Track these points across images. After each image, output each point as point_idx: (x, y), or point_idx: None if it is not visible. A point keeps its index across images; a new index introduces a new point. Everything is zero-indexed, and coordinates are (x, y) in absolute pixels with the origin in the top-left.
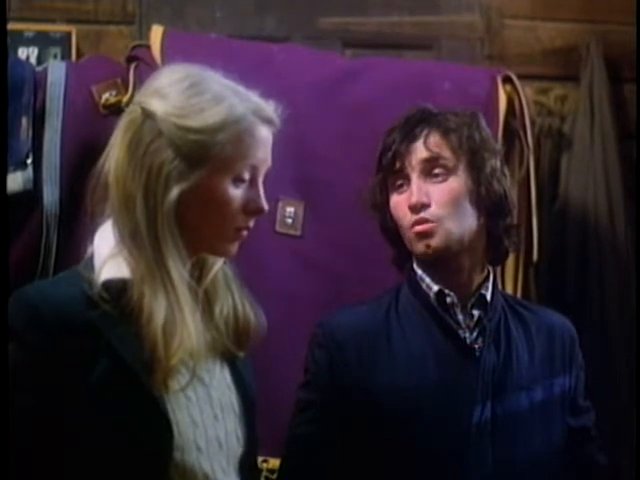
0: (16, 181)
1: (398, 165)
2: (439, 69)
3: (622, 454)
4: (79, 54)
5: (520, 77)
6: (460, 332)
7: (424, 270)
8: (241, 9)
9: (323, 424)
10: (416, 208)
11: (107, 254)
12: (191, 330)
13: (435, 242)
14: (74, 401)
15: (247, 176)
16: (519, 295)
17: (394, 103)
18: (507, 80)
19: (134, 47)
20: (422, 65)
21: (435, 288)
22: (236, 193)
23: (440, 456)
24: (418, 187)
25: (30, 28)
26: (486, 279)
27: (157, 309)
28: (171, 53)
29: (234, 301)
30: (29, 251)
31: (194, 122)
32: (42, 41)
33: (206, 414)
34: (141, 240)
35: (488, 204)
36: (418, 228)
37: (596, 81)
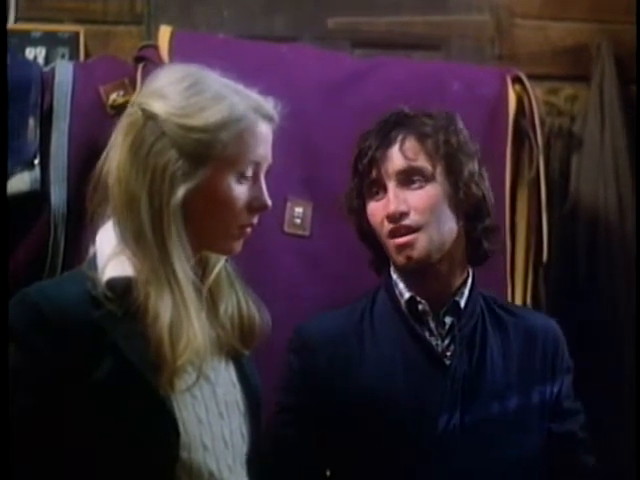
0: (23, 181)
1: (374, 173)
2: (448, 69)
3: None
4: (87, 54)
5: (530, 77)
6: (431, 340)
7: (399, 276)
8: (250, 9)
9: (298, 426)
10: (394, 217)
11: (110, 253)
12: (197, 330)
13: (417, 253)
14: (79, 401)
15: (250, 173)
16: (529, 296)
17: (402, 103)
18: (517, 80)
19: (142, 47)
20: (431, 65)
21: (407, 295)
22: (240, 191)
23: (405, 463)
24: (395, 195)
25: (37, 28)
26: (464, 283)
27: (163, 309)
28: (179, 53)
29: (238, 299)
30: (37, 251)
31: (196, 121)
32: (50, 41)
33: (211, 412)
34: (146, 241)
35: (467, 208)
36: (398, 241)
37: (606, 81)
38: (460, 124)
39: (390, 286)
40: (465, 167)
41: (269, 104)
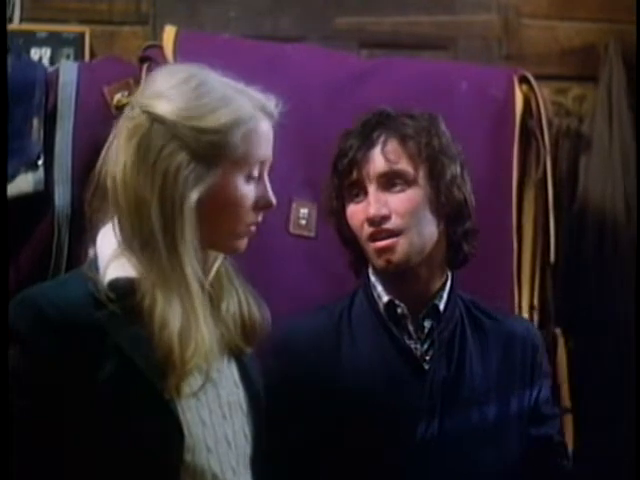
0: (27, 182)
1: (355, 175)
2: (455, 69)
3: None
4: (92, 55)
5: (538, 77)
6: (410, 343)
7: (378, 278)
8: (256, 9)
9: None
10: (375, 221)
11: (111, 255)
12: (205, 334)
13: (396, 257)
14: (82, 403)
15: (256, 173)
16: (536, 297)
17: (409, 104)
18: (524, 80)
19: (146, 47)
20: (437, 65)
21: (385, 299)
22: (248, 190)
23: (382, 469)
24: (376, 198)
25: (43, 29)
26: (443, 286)
27: (172, 315)
28: (184, 53)
29: (238, 296)
30: (40, 252)
31: (207, 123)
32: (55, 42)
33: (215, 414)
34: (156, 245)
35: (448, 211)
36: (379, 244)
37: (615, 81)
38: (442, 126)
39: (368, 288)
40: (447, 170)
41: (271, 102)
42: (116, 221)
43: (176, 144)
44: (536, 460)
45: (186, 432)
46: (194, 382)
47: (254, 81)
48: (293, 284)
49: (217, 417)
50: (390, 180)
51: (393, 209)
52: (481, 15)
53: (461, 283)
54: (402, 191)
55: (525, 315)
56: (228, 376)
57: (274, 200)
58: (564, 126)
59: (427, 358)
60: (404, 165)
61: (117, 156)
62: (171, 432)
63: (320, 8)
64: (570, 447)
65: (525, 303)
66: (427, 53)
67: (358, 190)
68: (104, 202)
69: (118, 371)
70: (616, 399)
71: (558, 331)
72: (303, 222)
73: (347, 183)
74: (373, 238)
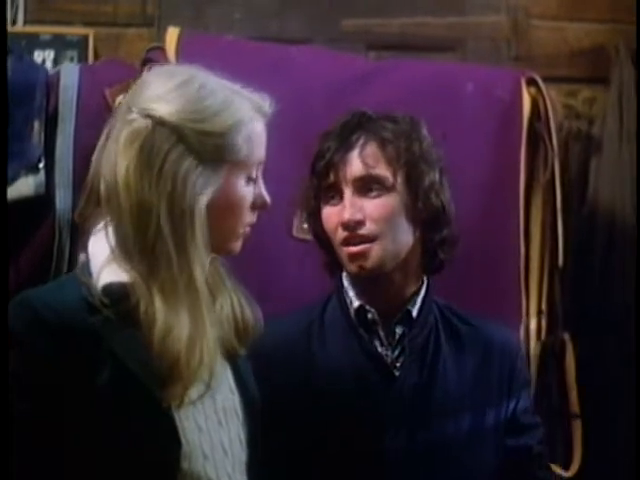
0: (28, 185)
1: (332, 177)
2: (462, 70)
3: None
4: (97, 57)
5: (548, 79)
6: (381, 350)
7: (350, 282)
8: (262, 11)
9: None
10: (349, 226)
11: (104, 260)
12: (211, 340)
13: (369, 263)
14: (77, 408)
15: (254, 174)
16: (544, 301)
17: (414, 105)
18: (532, 82)
19: (149, 49)
20: (444, 66)
21: (356, 304)
22: (248, 191)
23: (357, 475)
24: (352, 203)
25: (46, 31)
26: (417, 292)
27: (178, 322)
28: (186, 55)
29: (231, 297)
30: (41, 256)
31: (213, 126)
32: (59, 44)
33: (211, 420)
34: (164, 250)
35: (424, 218)
36: (351, 250)
37: (625, 83)
38: (424, 130)
39: (341, 293)
40: (426, 176)
41: (266, 102)
42: (111, 226)
43: (182, 148)
44: (514, 472)
45: (183, 440)
46: (196, 389)
47: (257, 83)
48: (294, 287)
49: (213, 423)
50: (367, 184)
51: (368, 214)
52: (490, 16)
53: (466, 287)
54: (378, 196)
55: (533, 320)
56: (223, 381)
57: (269, 200)
58: (574, 129)
59: (398, 365)
60: (382, 170)
61: (116, 160)
62: (169, 441)
63: (327, 10)
64: (578, 453)
65: (533, 307)
66: (435, 55)
67: (334, 193)
68: (97, 207)
69: (114, 377)
70: (622, 403)
71: (566, 336)
72: (306, 226)
73: (324, 185)
74: (347, 243)
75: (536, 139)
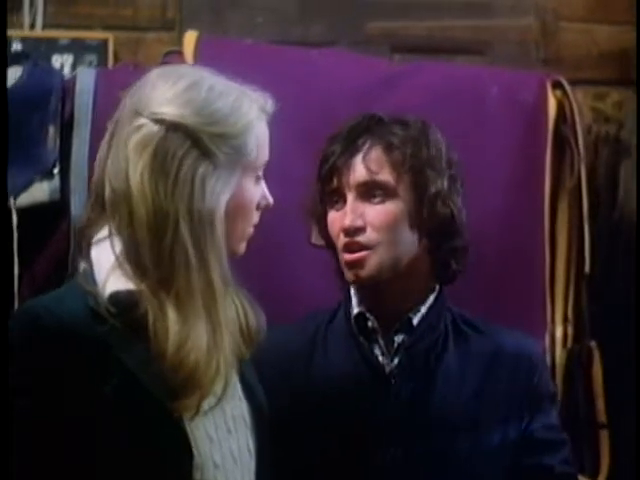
0: (42, 191)
1: (335, 182)
2: (486, 73)
3: None
4: (117, 61)
5: (576, 82)
6: (382, 359)
7: (354, 289)
8: (285, 15)
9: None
10: (349, 232)
11: (110, 268)
12: (228, 350)
13: (365, 272)
14: (84, 420)
15: (261, 173)
16: (570, 310)
17: (438, 109)
18: (557, 85)
19: (167, 53)
20: (469, 69)
21: (356, 310)
22: (256, 192)
23: None
24: (353, 209)
25: (65, 35)
26: (423, 301)
27: (195, 334)
28: (204, 59)
29: (234, 301)
30: (56, 263)
31: (226, 128)
32: (78, 48)
33: (220, 429)
34: (183, 257)
35: (430, 226)
36: (348, 257)
37: None
38: (435, 135)
39: (347, 300)
40: (432, 183)
41: (268, 101)
42: (118, 234)
43: (197, 152)
44: None
45: (195, 451)
46: (210, 399)
47: (277, 87)
48: (311, 295)
49: (222, 432)
50: (370, 190)
51: (369, 221)
52: (518, 19)
53: (490, 294)
54: (381, 202)
55: (559, 327)
56: (232, 389)
57: (272, 200)
58: (603, 132)
59: (395, 373)
60: (386, 175)
61: (126, 167)
62: (181, 452)
63: (351, 13)
64: (606, 463)
65: (559, 315)
66: (462, 58)
67: (338, 197)
68: (102, 215)
69: (123, 387)
70: None
71: (593, 344)
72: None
73: (328, 190)
74: (346, 249)
75: (562, 143)
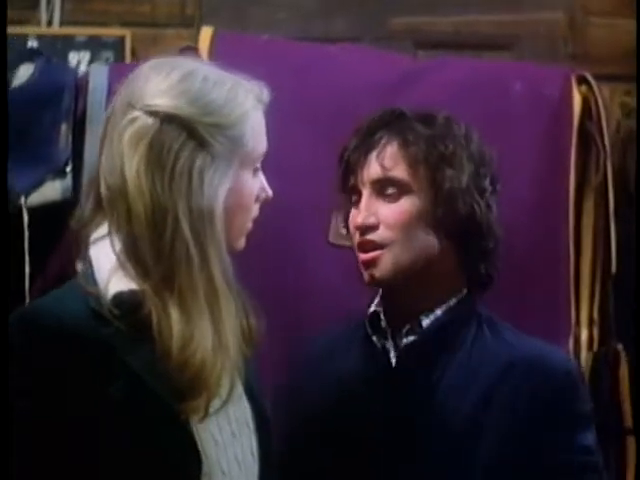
0: (55, 190)
1: (352, 179)
2: (510, 68)
3: None
4: (134, 59)
5: (605, 78)
6: (392, 358)
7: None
8: (307, 10)
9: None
10: (362, 229)
11: (111, 268)
12: (232, 349)
13: (379, 273)
14: (89, 422)
15: (259, 165)
16: (595, 311)
17: (461, 105)
18: (582, 80)
19: (182, 49)
20: (493, 64)
21: (372, 309)
22: (254, 184)
23: None
24: (367, 206)
25: (82, 32)
26: (441, 304)
27: (200, 333)
28: (221, 55)
29: (234, 300)
30: (68, 262)
31: (221, 118)
32: (94, 45)
33: (225, 432)
34: (185, 253)
35: (450, 226)
36: (362, 257)
37: None
38: (459, 131)
39: (373, 298)
40: (449, 181)
41: (265, 91)
42: (117, 232)
43: (193, 144)
44: None
45: (203, 457)
46: (216, 401)
47: (294, 83)
48: (330, 294)
49: (227, 435)
50: (384, 187)
51: (382, 219)
52: (546, 13)
53: (513, 295)
54: (395, 200)
55: (584, 330)
56: (236, 389)
57: (271, 192)
58: (633, 129)
59: (400, 374)
60: (400, 172)
61: (121, 162)
62: (189, 456)
63: (375, 8)
64: (632, 470)
65: (584, 317)
66: (489, 54)
67: (356, 195)
68: (98, 213)
69: (129, 390)
70: None
71: (620, 347)
72: (343, 232)
73: (348, 186)
74: (360, 248)
75: (587, 139)
